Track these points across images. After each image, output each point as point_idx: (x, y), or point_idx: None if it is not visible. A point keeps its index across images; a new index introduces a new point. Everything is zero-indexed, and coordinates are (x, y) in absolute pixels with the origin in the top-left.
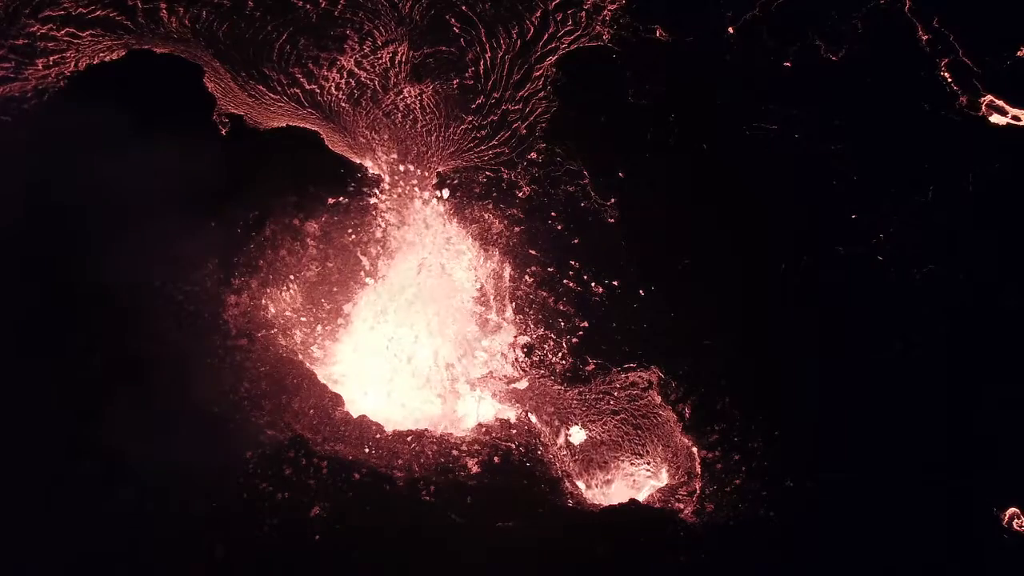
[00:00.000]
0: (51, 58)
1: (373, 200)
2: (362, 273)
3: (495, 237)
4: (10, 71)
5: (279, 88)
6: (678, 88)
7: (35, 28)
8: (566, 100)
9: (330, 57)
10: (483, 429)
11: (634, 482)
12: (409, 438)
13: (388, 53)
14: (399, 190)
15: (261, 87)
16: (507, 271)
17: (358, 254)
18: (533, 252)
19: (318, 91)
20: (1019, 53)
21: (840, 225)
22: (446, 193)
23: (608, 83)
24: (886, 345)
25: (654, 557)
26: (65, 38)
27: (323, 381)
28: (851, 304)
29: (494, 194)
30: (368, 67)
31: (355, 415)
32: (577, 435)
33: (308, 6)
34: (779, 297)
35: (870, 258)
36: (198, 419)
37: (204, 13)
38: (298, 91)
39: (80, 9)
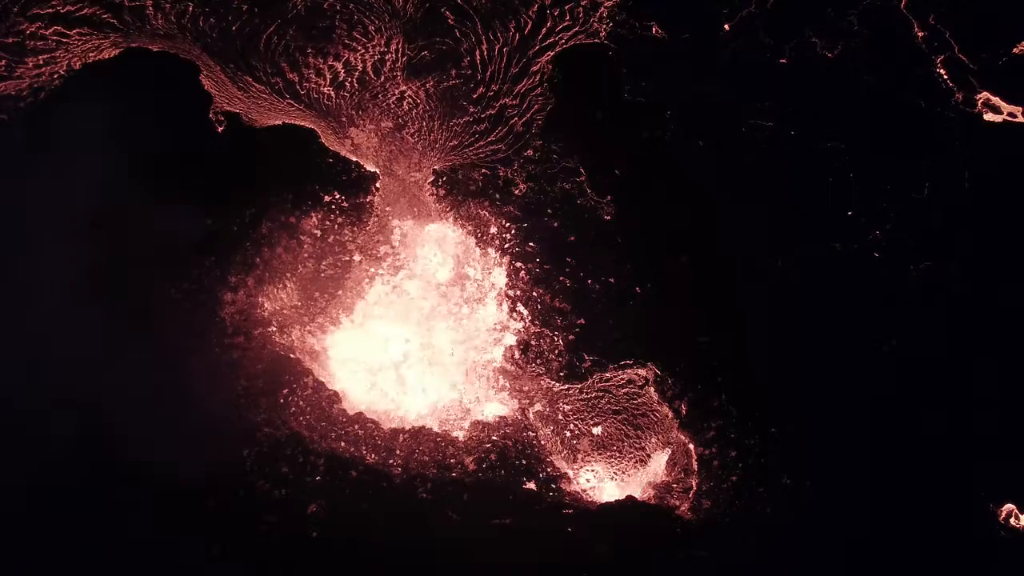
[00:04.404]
0: (41, 57)
1: (370, 197)
2: (359, 271)
3: (491, 234)
4: (2, 69)
5: (264, 78)
6: (674, 85)
7: (24, 26)
8: (562, 97)
9: (320, 47)
10: (480, 426)
11: (631, 479)
12: (406, 436)
13: (382, 40)
14: (390, 149)
15: (248, 78)
16: (503, 268)
17: (354, 251)
18: (529, 249)
19: (309, 80)
20: (1015, 50)
21: (836, 222)
22: (442, 192)
23: (604, 80)
24: (882, 342)
25: (651, 554)
26: (54, 37)
27: (320, 379)
28: (848, 301)
29: (490, 191)
30: (360, 49)
31: (352, 413)
32: (574, 432)
33: None
34: (775, 294)
35: (867, 255)
36: (196, 417)
37: (191, 8)
38: (279, 80)
39: (68, 7)
